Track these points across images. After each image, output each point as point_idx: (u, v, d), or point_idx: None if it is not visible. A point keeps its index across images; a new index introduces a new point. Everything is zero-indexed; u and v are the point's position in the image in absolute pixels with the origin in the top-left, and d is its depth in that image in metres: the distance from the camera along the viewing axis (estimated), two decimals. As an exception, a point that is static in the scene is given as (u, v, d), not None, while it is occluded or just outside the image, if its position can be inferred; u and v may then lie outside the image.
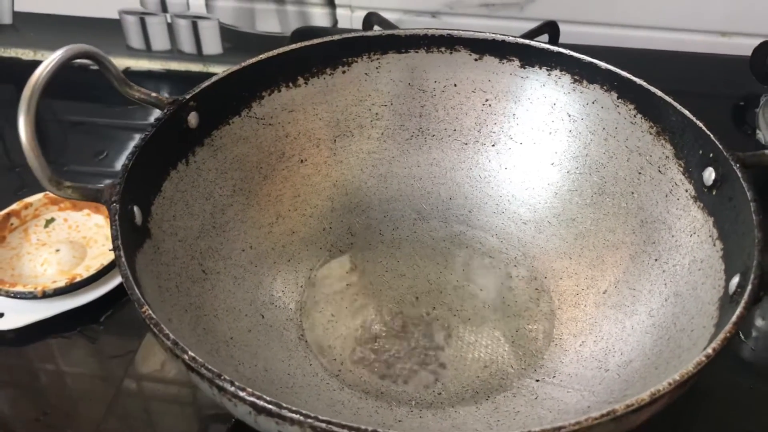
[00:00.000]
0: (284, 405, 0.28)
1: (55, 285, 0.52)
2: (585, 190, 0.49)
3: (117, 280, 0.53)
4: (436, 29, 0.51)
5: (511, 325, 0.46)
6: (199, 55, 0.81)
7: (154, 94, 0.44)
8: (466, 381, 0.43)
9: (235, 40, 0.79)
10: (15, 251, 0.56)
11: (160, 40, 0.81)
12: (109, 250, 0.55)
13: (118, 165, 0.65)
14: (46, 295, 0.51)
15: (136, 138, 0.68)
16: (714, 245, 0.39)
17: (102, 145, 0.68)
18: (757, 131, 0.65)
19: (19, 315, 0.51)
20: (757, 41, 0.69)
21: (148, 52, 0.80)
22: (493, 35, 0.50)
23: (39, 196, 0.59)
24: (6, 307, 0.51)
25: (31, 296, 0.51)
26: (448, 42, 0.51)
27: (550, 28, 0.69)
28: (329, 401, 0.40)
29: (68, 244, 0.57)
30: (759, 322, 0.50)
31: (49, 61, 0.38)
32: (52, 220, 0.59)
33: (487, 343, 0.45)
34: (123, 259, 0.34)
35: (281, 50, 0.49)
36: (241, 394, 0.29)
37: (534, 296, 0.47)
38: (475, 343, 0.45)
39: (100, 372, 0.49)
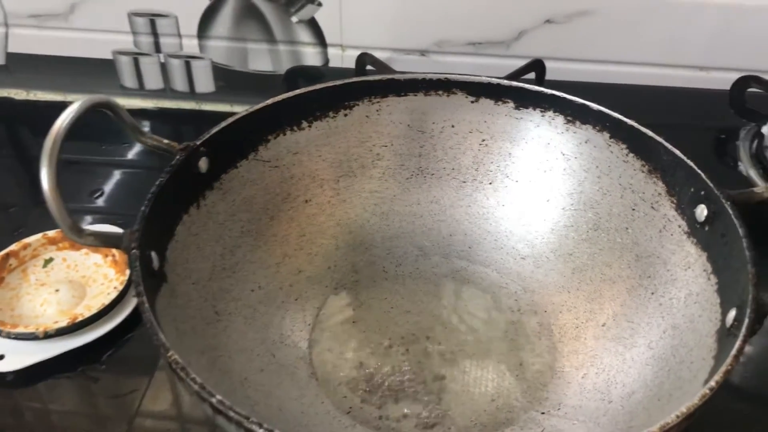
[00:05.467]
0: (313, 446, 0.29)
1: (57, 325, 0.52)
2: (581, 225, 0.51)
3: (118, 319, 0.54)
4: (434, 73, 0.53)
5: (514, 358, 0.47)
6: (192, 94, 0.82)
7: (166, 141, 0.45)
8: (474, 415, 0.44)
9: (227, 78, 0.80)
10: (14, 291, 0.56)
11: (153, 80, 0.82)
12: (114, 289, 0.55)
13: (114, 203, 0.66)
14: (47, 336, 0.51)
15: (130, 175, 0.70)
16: (708, 279, 0.41)
17: (97, 184, 0.69)
18: (739, 163, 0.68)
19: (19, 356, 0.51)
20: (734, 76, 0.72)
21: (140, 90, 0.82)
22: (489, 79, 0.52)
23: (38, 236, 0.59)
24: (6, 348, 0.51)
25: (32, 337, 0.51)
26: (445, 85, 0.53)
27: (537, 66, 0.71)
28: (343, 438, 0.41)
29: (68, 283, 0.57)
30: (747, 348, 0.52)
31: (69, 112, 0.39)
32: (51, 260, 0.59)
33: (492, 377, 0.46)
34: (146, 305, 0.35)
35: (285, 96, 0.50)
36: (271, 435, 0.30)
37: (535, 330, 0.49)
38: (480, 378, 0.46)
39: (104, 412, 0.49)
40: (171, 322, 0.39)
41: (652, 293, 0.45)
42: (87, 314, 0.53)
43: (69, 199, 0.65)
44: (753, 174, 0.68)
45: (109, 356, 0.52)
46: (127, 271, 0.56)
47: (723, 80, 0.74)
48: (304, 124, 0.52)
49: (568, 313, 0.49)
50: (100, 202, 0.67)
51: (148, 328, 0.35)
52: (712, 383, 0.32)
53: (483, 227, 0.54)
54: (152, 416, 0.48)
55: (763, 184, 0.43)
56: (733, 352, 0.33)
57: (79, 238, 0.38)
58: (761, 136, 0.73)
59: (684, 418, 0.31)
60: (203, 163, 0.46)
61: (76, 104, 0.40)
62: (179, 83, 0.82)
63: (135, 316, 0.54)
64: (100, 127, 0.74)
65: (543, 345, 0.48)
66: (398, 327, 0.49)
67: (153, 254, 0.40)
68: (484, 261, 0.53)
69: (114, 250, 0.58)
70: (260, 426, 0.30)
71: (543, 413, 0.43)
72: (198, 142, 0.46)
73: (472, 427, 0.43)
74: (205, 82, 0.82)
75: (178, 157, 0.44)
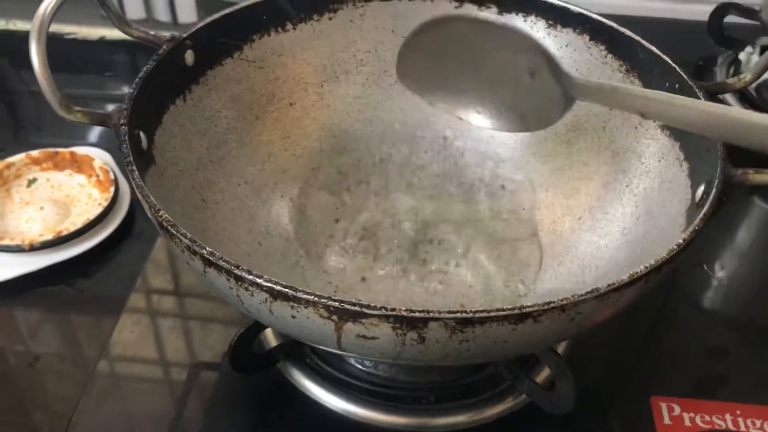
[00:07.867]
0: (299, 288, 0.30)
1: (43, 238, 0.53)
2: (560, 127, 0.51)
3: (103, 234, 0.55)
4: (418, -23, 0.54)
5: (493, 250, 0.49)
6: (175, 24, 0.81)
7: (152, 33, 0.46)
8: (453, 298, 0.45)
9: (210, 7, 0.78)
10: (-1, 209, 0.57)
11: (135, 9, 0.81)
12: (99, 205, 0.56)
13: (98, 132, 0.66)
14: (33, 248, 0.52)
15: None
16: (681, 166, 0.43)
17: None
18: (717, 88, 0.69)
19: (5, 268, 0.52)
20: (710, 8, 0.73)
21: (123, 21, 0.81)
22: (473, -18, 0.53)
23: (21, 156, 0.60)
24: (-7, 260, 0.51)
25: (18, 249, 0.52)
26: (429, -10, 0.54)
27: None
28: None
29: (52, 202, 0.58)
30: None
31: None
32: (35, 180, 0.60)
33: (472, 264, 0.48)
34: (136, 173, 0.36)
35: (270, -4, 0.51)
36: (259, 281, 0.31)
37: (514, 225, 0.50)
38: (460, 264, 0.47)
39: (92, 319, 0.51)
40: (160, 201, 0.40)
41: (627, 186, 0.47)
42: (72, 229, 0.54)
43: (52, 129, 0.65)
44: (730, 99, 0.69)
45: (95, 270, 0.54)
46: (112, 189, 0.57)
47: (700, 12, 0.75)
48: (289, 26, 0.52)
49: (545, 209, 0.50)
50: (83, 131, 0.67)
51: (138, 193, 0.36)
52: (680, 240, 0.33)
53: (465, 134, 0.55)
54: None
55: (735, 78, 0.44)
56: (701, 215, 0.35)
57: (68, 114, 0.39)
58: (738, 62, 0.75)
59: (652, 269, 0.32)
60: (189, 57, 0.47)
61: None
62: (162, 13, 0.81)
63: (121, 231, 0.56)
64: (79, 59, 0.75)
65: (521, 238, 0.49)
66: (387, 225, 0.50)
67: (141, 134, 0.41)
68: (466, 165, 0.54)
69: (98, 170, 0.59)
70: (249, 272, 0.31)
71: (520, 296, 0.45)
72: (184, 35, 0.46)
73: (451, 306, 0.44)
74: (187, 12, 0.81)
75: (164, 47, 0.45)
